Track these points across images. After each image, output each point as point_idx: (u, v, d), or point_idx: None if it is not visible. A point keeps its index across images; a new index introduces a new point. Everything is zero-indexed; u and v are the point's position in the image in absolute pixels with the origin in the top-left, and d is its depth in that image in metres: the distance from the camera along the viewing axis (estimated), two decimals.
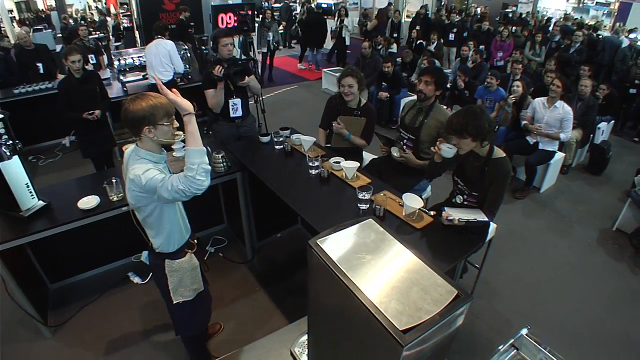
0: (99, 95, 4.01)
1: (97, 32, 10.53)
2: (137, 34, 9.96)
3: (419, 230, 2.25)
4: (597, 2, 20.82)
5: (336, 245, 0.97)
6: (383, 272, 0.93)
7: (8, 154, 2.32)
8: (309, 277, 1.04)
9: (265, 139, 3.30)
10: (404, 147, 3.13)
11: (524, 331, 1.12)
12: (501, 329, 2.98)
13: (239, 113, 3.51)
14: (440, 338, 0.89)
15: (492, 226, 2.52)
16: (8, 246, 2.37)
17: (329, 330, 1.11)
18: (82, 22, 11.83)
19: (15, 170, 2.41)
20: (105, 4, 17.61)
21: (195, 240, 2.21)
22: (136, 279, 2.07)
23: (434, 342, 0.88)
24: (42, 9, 20.58)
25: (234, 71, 3.19)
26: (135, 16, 9.70)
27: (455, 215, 2.16)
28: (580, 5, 20.03)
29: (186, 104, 1.65)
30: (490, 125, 2.18)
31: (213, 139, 3.76)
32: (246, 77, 3.36)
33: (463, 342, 2.73)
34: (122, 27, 11.21)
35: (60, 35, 10.97)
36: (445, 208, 2.29)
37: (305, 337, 1.55)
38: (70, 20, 12.35)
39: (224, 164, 2.99)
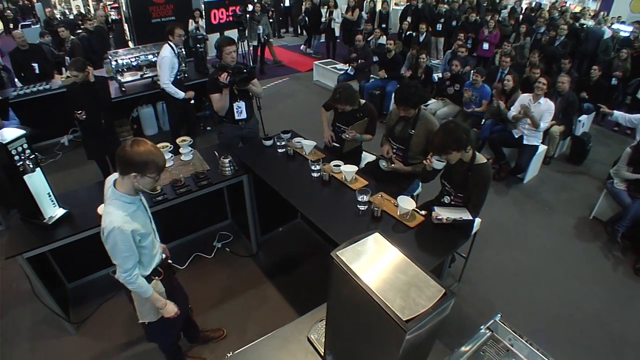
0: (104, 99, 4.14)
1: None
2: (126, 27, 9.94)
3: (412, 228, 2.54)
4: None
5: (352, 255, 1.23)
6: (389, 276, 1.19)
7: (31, 166, 2.51)
8: (330, 280, 1.29)
9: (268, 143, 3.51)
10: (393, 156, 3.35)
11: (498, 317, 1.38)
12: (485, 311, 3.29)
13: (243, 115, 3.72)
14: (432, 325, 1.15)
15: (477, 221, 2.79)
16: (36, 253, 2.58)
17: (345, 323, 1.37)
18: (78, 16, 11.63)
19: (38, 181, 2.60)
20: None
21: (169, 260, 2.31)
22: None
23: (428, 328, 1.14)
24: None
25: (240, 78, 3.40)
26: (124, 8, 9.66)
27: (443, 214, 2.43)
28: None
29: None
30: (467, 134, 2.45)
31: (218, 139, 3.95)
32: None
33: (451, 324, 3.01)
34: (110, 20, 11.13)
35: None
36: (435, 208, 2.56)
37: (320, 324, 1.81)
38: (55, 12, 12.18)
39: (231, 167, 3.21)
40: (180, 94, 4.66)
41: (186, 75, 5.80)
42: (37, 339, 3.05)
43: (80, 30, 8.01)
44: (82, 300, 3.33)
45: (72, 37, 6.92)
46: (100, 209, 2.77)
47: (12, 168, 2.40)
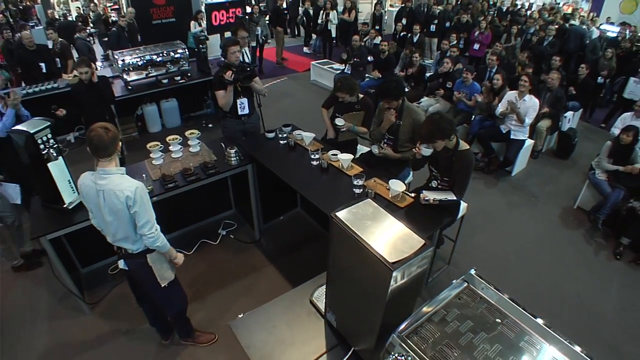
0: (106, 98, 4.42)
1: (90, 28, 10.72)
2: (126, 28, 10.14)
3: (403, 208, 2.79)
4: None
5: (348, 215, 1.47)
6: (379, 231, 1.42)
7: (55, 154, 2.73)
8: (330, 236, 1.53)
9: (271, 135, 3.75)
10: (384, 145, 3.62)
11: (472, 271, 1.62)
12: None
13: (246, 111, 3.95)
14: (413, 274, 1.39)
15: (463, 205, 3.05)
16: (58, 234, 2.81)
17: (343, 277, 1.61)
18: (78, 15, 11.81)
19: (60, 169, 2.82)
20: None
21: None
22: (121, 263, 2.47)
23: (409, 274, 1.38)
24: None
25: (244, 76, 3.64)
26: (125, 10, 9.87)
27: (430, 196, 2.70)
28: None
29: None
30: (450, 124, 2.72)
31: (222, 134, 4.18)
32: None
33: None
34: (110, 21, 11.33)
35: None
36: (423, 191, 2.81)
37: (321, 288, 2.05)
38: (55, 14, 12.34)
39: (237, 157, 3.45)
40: None
41: (189, 74, 6.03)
42: (53, 319, 3.26)
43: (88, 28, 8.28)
44: (95, 283, 3.54)
45: (60, 39, 7.02)
46: None
47: (37, 156, 2.62)
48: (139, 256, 2.33)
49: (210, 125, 6.62)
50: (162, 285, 2.42)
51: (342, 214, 1.46)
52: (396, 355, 1.34)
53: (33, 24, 10.69)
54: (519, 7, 12.80)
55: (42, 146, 2.61)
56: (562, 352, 1.35)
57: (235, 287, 3.46)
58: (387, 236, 1.40)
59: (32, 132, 2.52)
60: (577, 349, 1.35)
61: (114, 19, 11.23)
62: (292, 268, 3.68)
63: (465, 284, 1.58)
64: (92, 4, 15.24)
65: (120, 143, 2.15)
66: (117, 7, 11.39)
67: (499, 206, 4.79)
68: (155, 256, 2.35)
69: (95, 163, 2.12)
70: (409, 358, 1.32)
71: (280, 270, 3.64)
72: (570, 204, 4.84)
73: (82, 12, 13.00)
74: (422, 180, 3.43)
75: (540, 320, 1.47)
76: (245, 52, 4.87)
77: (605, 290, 3.67)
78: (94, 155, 2.08)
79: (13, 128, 2.77)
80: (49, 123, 2.68)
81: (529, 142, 5.34)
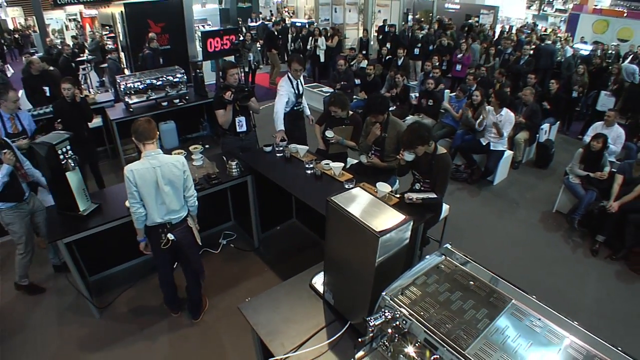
0: (88, 115, 4.83)
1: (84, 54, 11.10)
2: (122, 55, 10.55)
3: None
4: (556, 9, 22.63)
5: (342, 199, 1.75)
6: (367, 209, 1.72)
7: (73, 165, 2.99)
8: (327, 219, 1.81)
9: (268, 149, 4.05)
10: (372, 155, 3.95)
11: (448, 245, 1.90)
12: None
13: (244, 128, 4.26)
14: (396, 247, 1.67)
15: (445, 206, 3.35)
16: (75, 237, 3.04)
17: (338, 253, 1.88)
18: (75, 43, 12.24)
19: (77, 178, 3.08)
20: (81, 22, 18.02)
21: None
22: (170, 236, 2.84)
23: (393, 247, 1.66)
24: (14, 29, 20.55)
25: (242, 96, 3.96)
26: (121, 38, 10.28)
27: (414, 195, 3.01)
28: (539, 12, 21.73)
29: None
30: (428, 132, 3.06)
31: (221, 149, 4.47)
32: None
33: None
34: (107, 48, 11.73)
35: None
36: (407, 193, 3.13)
37: (319, 275, 2.30)
38: (53, 39, 12.74)
39: (238, 169, 3.73)
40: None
41: (187, 97, 6.35)
42: (64, 323, 3.45)
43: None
44: (103, 290, 3.74)
45: (51, 67, 7.33)
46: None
47: (57, 166, 2.88)
48: (182, 223, 2.91)
49: (207, 146, 6.89)
50: (199, 244, 3.06)
51: (336, 198, 1.74)
52: (385, 310, 1.60)
53: (34, 50, 11.06)
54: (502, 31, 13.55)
55: (61, 157, 2.86)
56: (527, 305, 1.62)
57: (237, 289, 3.69)
58: (375, 213, 1.68)
59: (53, 143, 2.79)
60: (540, 303, 1.62)
61: (110, 46, 11.64)
62: (290, 273, 3.87)
63: (443, 257, 1.85)
64: (87, 33, 15.78)
65: (157, 132, 2.74)
66: (113, 35, 11.77)
67: (482, 212, 5.10)
68: (191, 219, 3.00)
69: (142, 149, 2.70)
70: (397, 313, 1.58)
71: (279, 275, 3.87)
72: (549, 208, 5.17)
73: (77, 40, 13.43)
74: (407, 187, 3.73)
75: (507, 282, 1.74)
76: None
77: (583, 283, 3.96)
78: (141, 141, 2.68)
79: (36, 141, 3.05)
80: (68, 136, 2.94)
81: (508, 153, 5.71)
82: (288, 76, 4.53)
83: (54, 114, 4.61)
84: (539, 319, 1.57)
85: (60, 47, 10.75)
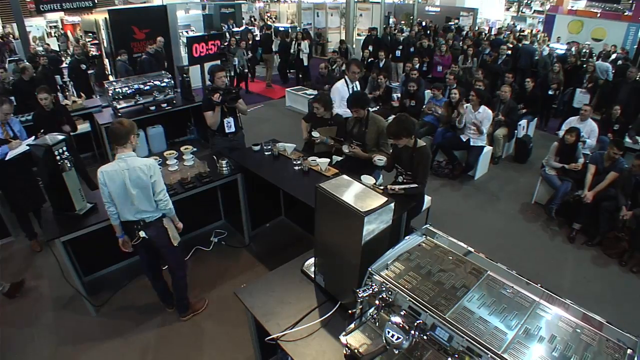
0: (66, 124, 4.81)
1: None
2: (106, 62, 10.57)
3: None
4: (534, 11, 23.31)
5: (330, 186, 1.90)
6: (353, 192, 1.87)
7: (69, 166, 3.08)
8: (316, 205, 1.95)
9: (257, 148, 4.18)
10: (353, 146, 4.09)
11: (428, 225, 2.06)
12: None
13: (232, 129, 4.38)
14: (379, 228, 1.82)
15: (427, 198, 3.53)
16: (72, 236, 3.12)
17: (327, 237, 2.03)
18: (59, 51, 12.16)
19: (72, 178, 3.16)
20: (62, 29, 17.87)
21: None
22: (142, 233, 2.89)
23: (377, 228, 1.81)
24: None
25: (230, 97, 4.09)
26: (105, 45, 10.30)
27: (396, 187, 3.20)
28: (518, 14, 22.37)
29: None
30: (412, 125, 3.26)
31: (210, 150, 4.58)
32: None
33: None
34: (90, 55, 11.70)
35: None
36: (390, 185, 3.31)
37: (310, 260, 2.44)
38: (37, 48, 12.64)
39: (228, 167, 3.86)
40: None
41: (174, 102, 6.44)
42: (61, 321, 3.52)
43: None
44: (98, 289, 3.80)
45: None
46: None
47: (54, 167, 2.96)
48: (156, 222, 2.93)
49: (195, 149, 6.99)
50: (175, 245, 3.04)
51: (325, 185, 1.89)
52: (372, 284, 1.75)
53: (17, 57, 10.98)
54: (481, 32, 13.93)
55: (58, 157, 2.95)
56: (501, 276, 1.79)
57: (230, 284, 3.79)
58: (359, 196, 1.83)
59: (51, 144, 2.87)
60: (513, 272, 1.79)
61: (94, 53, 11.63)
62: (279, 265, 4.01)
63: (424, 236, 2.01)
64: (68, 41, 15.68)
65: (134, 135, 2.77)
66: (96, 42, 11.76)
67: (464, 205, 5.30)
68: (167, 220, 3.00)
69: (114, 152, 2.76)
70: (383, 286, 1.73)
71: (270, 268, 3.92)
72: (528, 200, 5.41)
73: (58, 47, 13.38)
74: (390, 182, 3.90)
75: (482, 255, 1.91)
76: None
77: (561, 268, 4.18)
78: (114, 143, 2.74)
79: (32, 142, 3.14)
80: (64, 137, 3.03)
81: (488, 148, 5.95)
82: (345, 79, 4.73)
83: (34, 124, 4.55)
84: (512, 287, 1.74)
85: (37, 59, 10.70)
